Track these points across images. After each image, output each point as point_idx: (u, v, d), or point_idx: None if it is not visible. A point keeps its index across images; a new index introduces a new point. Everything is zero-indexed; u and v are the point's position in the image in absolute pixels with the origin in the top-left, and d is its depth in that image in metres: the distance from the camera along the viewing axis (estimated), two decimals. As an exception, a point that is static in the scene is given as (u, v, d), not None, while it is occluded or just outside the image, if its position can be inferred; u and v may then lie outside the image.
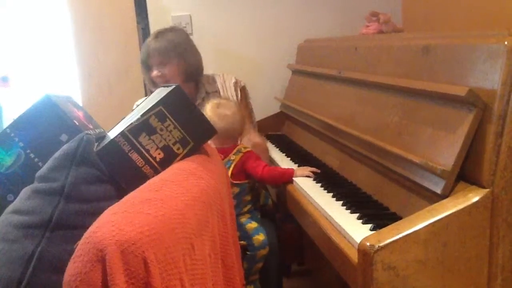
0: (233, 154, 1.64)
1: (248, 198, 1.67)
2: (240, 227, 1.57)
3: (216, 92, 1.99)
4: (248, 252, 1.59)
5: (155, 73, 1.89)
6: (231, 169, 1.61)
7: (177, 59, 1.92)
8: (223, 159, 1.63)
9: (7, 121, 2.31)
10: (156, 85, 1.91)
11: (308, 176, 1.55)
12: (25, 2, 2.29)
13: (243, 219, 1.64)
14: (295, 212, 1.52)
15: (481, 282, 0.98)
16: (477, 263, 0.97)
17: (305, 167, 1.62)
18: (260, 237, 1.60)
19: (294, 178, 1.58)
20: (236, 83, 2.04)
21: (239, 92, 2.03)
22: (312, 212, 1.34)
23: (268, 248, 1.61)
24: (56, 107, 1.10)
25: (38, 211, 0.93)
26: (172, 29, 1.98)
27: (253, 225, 1.63)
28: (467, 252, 0.96)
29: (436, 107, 1.11)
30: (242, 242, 1.52)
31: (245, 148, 1.66)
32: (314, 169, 1.58)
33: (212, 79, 2.04)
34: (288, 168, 1.64)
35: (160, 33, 1.93)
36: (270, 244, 1.63)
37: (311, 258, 2.15)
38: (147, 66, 1.93)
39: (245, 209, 1.66)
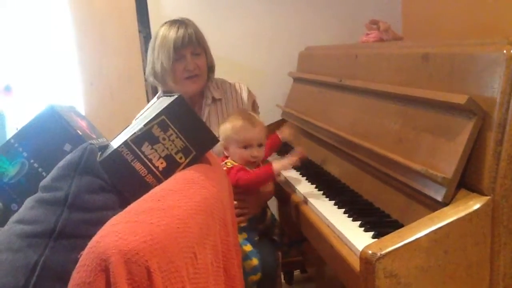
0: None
1: (242, 224, 1.56)
2: None
3: (222, 99, 1.90)
4: None
5: (191, 63, 1.77)
6: None
7: (204, 51, 1.83)
8: None
9: (10, 130, 2.32)
10: (184, 81, 1.79)
11: (288, 168, 1.53)
12: (28, 11, 2.31)
13: (242, 254, 1.47)
14: (296, 219, 1.52)
15: (482, 289, 0.99)
16: (479, 270, 0.98)
17: (283, 160, 1.55)
18: (253, 262, 1.50)
19: (297, 187, 1.57)
20: (249, 95, 1.94)
21: (250, 106, 1.93)
22: (314, 219, 1.34)
23: (260, 274, 1.50)
24: (60, 117, 1.11)
25: (41, 220, 0.94)
26: (186, 19, 1.85)
27: (247, 248, 1.53)
28: (468, 260, 0.97)
29: (436, 115, 1.12)
30: None
31: (232, 163, 1.58)
32: (292, 159, 1.52)
33: (220, 84, 1.94)
34: (265, 168, 1.56)
35: (180, 22, 1.79)
36: (268, 268, 1.53)
37: (314, 265, 2.15)
38: (175, 57, 1.76)
39: (241, 224, 1.55)
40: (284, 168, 1.55)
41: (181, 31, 1.76)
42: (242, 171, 1.55)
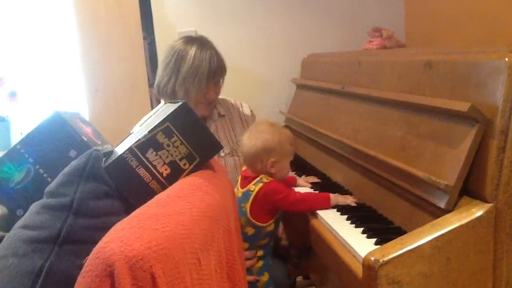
0: (253, 184, 1.45)
1: (264, 242, 1.49)
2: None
3: (226, 115, 1.88)
4: None
5: (213, 94, 1.75)
6: (249, 202, 1.44)
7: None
8: (243, 188, 1.48)
9: (15, 136, 2.34)
10: (197, 105, 1.73)
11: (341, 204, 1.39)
12: (33, 18, 2.33)
13: (254, 269, 1.48)
14: (299, 226, 1.52)
15: (485, 296, 0.99)
16: (482, 277, 0.98)
17: (345, 195, 1.43)
18: (264, 277, 1.49)
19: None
20: (252, 113, 1.94)
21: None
22: (316, 226, 1.34)
23: None
24: (65, 123, 1.12)
25: (47, 226, 0.94)
26: (208, 42, 1.80)
27: (264, 277, 1.49)
28: (471, 267, 0.97)
29: (439, 122, 1.13)
30: None
31: (267, 178, 1.45)
32: (351, 201, 1.39)
33: (222, 100, 1.92)
34: (323, 194, 1.45)
35: (209, 48, 1.74)
36: (280, 284, 1.52)
37: (316, 271, 2.15)
38: (207, 82, 1.70)
39: (258, 253, 1.49)
40: (339, 203, 1.40)
41: (214, 62, 1.70)
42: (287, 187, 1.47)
